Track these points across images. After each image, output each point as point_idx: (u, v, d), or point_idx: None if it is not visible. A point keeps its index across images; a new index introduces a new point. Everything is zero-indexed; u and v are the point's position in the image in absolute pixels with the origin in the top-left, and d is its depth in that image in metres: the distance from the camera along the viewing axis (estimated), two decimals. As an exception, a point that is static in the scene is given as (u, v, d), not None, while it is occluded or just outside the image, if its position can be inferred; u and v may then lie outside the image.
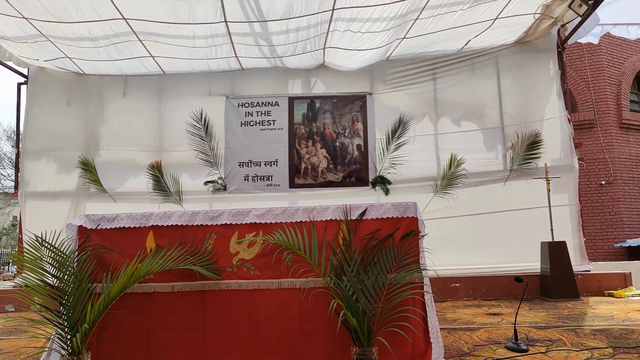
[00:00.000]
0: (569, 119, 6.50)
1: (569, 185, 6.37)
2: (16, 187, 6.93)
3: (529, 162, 6.38)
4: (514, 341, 3.24)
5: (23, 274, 2.54)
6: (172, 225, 2.79)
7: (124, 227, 2.82)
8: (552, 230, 5.73)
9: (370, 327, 2.37)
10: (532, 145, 6.42)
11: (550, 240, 5.68)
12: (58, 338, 2.43)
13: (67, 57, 6.46)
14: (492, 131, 6.72)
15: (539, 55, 6.69)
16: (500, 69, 6.78)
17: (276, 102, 6.97)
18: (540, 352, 3.07)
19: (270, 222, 2.76)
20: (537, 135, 6.41)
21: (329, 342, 2.56)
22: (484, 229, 6.31)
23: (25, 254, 2.55)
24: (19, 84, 7.20)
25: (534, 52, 6.70)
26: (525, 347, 3.14)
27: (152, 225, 2.80)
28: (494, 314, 4.61)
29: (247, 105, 6.97)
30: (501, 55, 6.76)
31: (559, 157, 6.47)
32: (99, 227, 2.79)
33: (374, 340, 2.36)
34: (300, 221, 2.75)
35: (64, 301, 2.45)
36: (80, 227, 2.80)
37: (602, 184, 11.27)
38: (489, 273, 5.96)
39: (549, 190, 5.85)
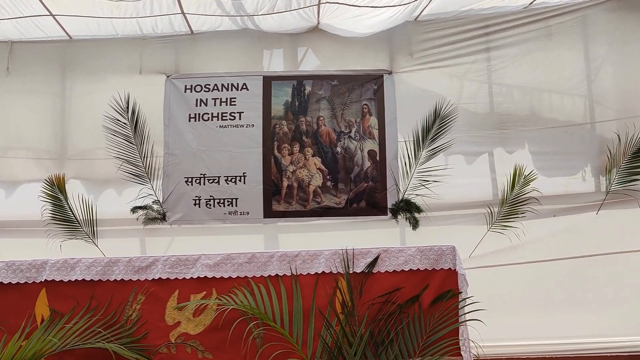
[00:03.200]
0: (696, 112, 6.56)
1: (698, 216, 6.40)
2: None
3: (635, 180, 6.40)
4: None
5: None
6: (76, 280, 2.80)
7: (1, 282, 2.82)
8: (674, 285, 5.76)
9: None
10: (641, 153, 6.45)
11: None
12: None
13: None
14: (577, 130, 6.76)
15: (646, 16, 6.79)
16: (589, 34, 6.84)
17: (244, 84, 6.99)
18: None
19: (230, 277, 2.76)
20: (650, 137, 6.45)
21: None
22: (568, 282, 6.30)
23: None
24: None
25: (638, 11, 6.78)
26: None
27: (46, 280, 2.82)
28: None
29: (199, 88, 6.99)
30: (591, 15, 6.82)
31: (683, 170, 6.50)
32: (-40, 285, 2.80)
33: None
34: (277, 275, 2.76)
35: None
36: None
37: None
38: (577, 353, 5.94)
39: (667, 223, 5.88)
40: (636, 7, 6.79)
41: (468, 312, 2.94)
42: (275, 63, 7.18)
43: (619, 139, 6.52)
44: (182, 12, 6.61)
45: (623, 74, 6.80)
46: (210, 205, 6.82)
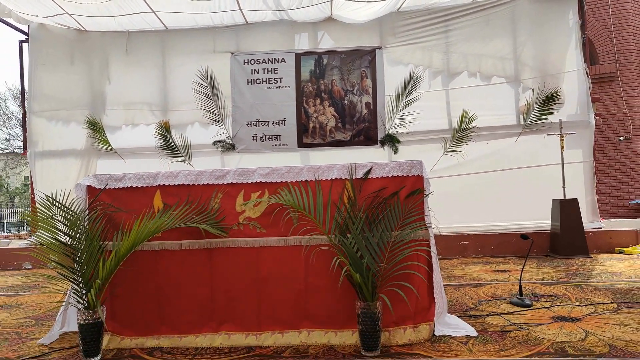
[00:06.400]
0: (587, 72, 6.34)
1: (583, 142, 6.30)
2: (25, 147, 7.05)
3: (543, 118, 6.28)
4: (518, 297, 3.32)
5: (37, 233, 2.63)
6: (178, 184, 2.81)
7: (131, 186, 2.85)
8: (564, 187, 5.72)
9: (374, 282, 2.44)
10: (548, 100, 6.30)
11: (562, 197, 5.69)
12: (74, 293, 2.56)
13: (67, 13, 6.39)
14: (506, 86, 6.61)
15: (557, 5, 6.46)
16: (516, 20, 6.56)
17: (282, 58, 6.86)
18: (544, 307, 3.16)
19: (276, 182, 2.77)
20: (555, 91, 6.27)
21: (334, 297, 2.64)
22: (495, 187, 6.31)
23: (38, 213, 2.64)
24: (21, 42, 7.18)
25: (552, 2, 6.47)
26: (529, 302, 3.23)
27: (159, 184, 2.83)
28: (502, 271, 4.71)
29: (253, 62, 6.88)
30: (517, 6, 6.52)
31: (575, 112, 6.36)
32: (107, 187, 2.85)
33: (378, 295, 2.44)
34: (306, 180, 2.76)
35: (77, 258, 2.56)
36: (89, 187, 2.85)
37: (620, 140, 11.08)
38: (499, 231, 6.03)
39: (562, 147, 5.80)
40: (550, 0, 6.44)
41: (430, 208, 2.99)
42: (303, 43, 7.01)
43: (533, 92, 6.37)
44: (240, 9, 6.46)
45: (539, 47, 6.55)
46: (263, 139, 6.85)
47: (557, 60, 6.42)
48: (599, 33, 11.43)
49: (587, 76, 6.33)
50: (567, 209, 5.55)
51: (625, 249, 5.62)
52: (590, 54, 7.96)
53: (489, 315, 3.02)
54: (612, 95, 11.17)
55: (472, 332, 2.65)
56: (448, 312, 2.88)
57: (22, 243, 7.05)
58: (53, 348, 2.69)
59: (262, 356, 2.44)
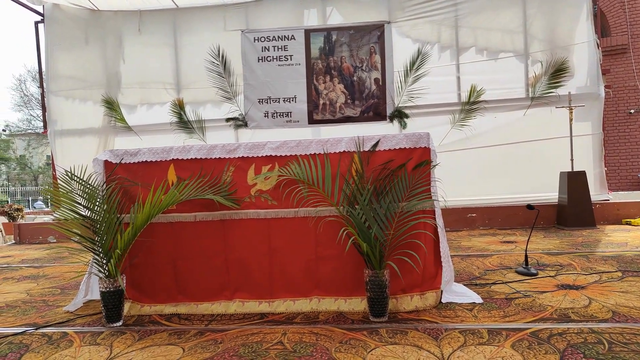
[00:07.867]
0: (597, 44, 6.13)
1: (593, 114, 6.16)
2: (45, 126, 7.12)
3: (551, 91, 6.13)
4: (524, 266, 3.32)
5: (60, 209, 2.67)
6: (191, 158, 2.81)
7: (146, 161, 2.85)
8: (572, 160, 5.63)
9: (382, 251, 2.45)
10: (557, 72, 6.14)
11: (570, 170, 5.60)
12: (95, 263, 2.61)
13: (80, -7, 6.35)
14: (515, 59, 6.43)
15: (569, -25, 6.21)
16: (527, -8, 6.34)
17: (292, 35, 6.75)
18: (549, 276, 3.15)
19: (286, 155, 2.76)
20: (563, 62, 6.09)
21: (343, 266, 2.66)
22: (503, 160, 6.23)
23: (59, 187, 2.68)
24: (36, 23, 7.16)
25: (564, -28, 6.22)
26: (534, 271, 3.22)
27: (173, 158, 2.83)
28: (508, 242, 4.69)
29: (263, 39, 6.79)
30: (529, -23, 6.29)
31: (585, 84, 6.19)
32: (123, 162, 2.87)
33: (385, 264, 2.45)
34: (315, 153, 2.73)
35: (96, 230, 2.60)
36: (105, 161, 2.88)
37: (630, 112, 10.80)
38: (506, 203, 5.98)
39: (571, 120, 5.68)
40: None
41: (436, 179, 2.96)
42: (312, 19, 6.88)
43: (542, 65, 6.19)
44: (249, -14, 6.32)
45: (549, 19, 6.34)
46: (274, 116, 6.80)
47: (567, 32, 6.22)
48: (612, 4, 11.01)
49: (598, 48, 6.13)
50: (574, 181, 5.47)
51: (632, 220, 5.55)
52: (601, 26, 7.70)
53: (494, 283, 3.03)
54: (623, 68, 10.83)
55: (478, 299, 2.66)
56: (455, 281, 2.89)
57: (47, 218, 7.21)
58: (78, 314, 2.77)
59: (275, 322, 2.48)
